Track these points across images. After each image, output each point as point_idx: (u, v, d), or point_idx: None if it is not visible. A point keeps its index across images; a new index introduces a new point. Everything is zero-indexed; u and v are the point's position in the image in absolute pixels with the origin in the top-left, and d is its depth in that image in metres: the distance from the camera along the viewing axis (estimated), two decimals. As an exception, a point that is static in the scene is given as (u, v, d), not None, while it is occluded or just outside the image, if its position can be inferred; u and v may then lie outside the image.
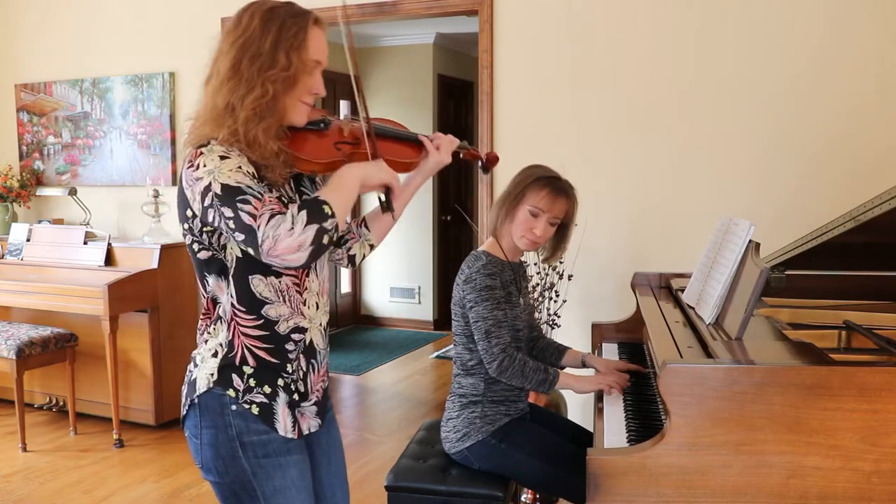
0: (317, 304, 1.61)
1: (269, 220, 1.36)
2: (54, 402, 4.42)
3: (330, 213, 1.38)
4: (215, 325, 1.57)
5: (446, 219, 6.96)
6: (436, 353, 6.09)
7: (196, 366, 1.58)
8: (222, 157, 1.44)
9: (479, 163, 1.95)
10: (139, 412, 4.22)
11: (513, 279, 2.30)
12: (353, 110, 1.67)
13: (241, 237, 1.39)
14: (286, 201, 1.54)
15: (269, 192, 1.45)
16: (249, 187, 1.41)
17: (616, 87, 3.45)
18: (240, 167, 1.44)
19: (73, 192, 4.63)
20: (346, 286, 7.12)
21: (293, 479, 1.58)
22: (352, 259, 1.81)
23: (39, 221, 4.82)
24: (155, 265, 4.13)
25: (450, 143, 1.75)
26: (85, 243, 4.29)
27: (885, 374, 1.45)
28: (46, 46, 4.92)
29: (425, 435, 2.51)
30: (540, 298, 3.24)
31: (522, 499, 3.09)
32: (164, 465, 3.71)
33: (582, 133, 3.53)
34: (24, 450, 3.91)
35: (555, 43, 3.56)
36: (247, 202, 1.39)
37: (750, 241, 1.92)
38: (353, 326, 7.08)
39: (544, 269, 3.26)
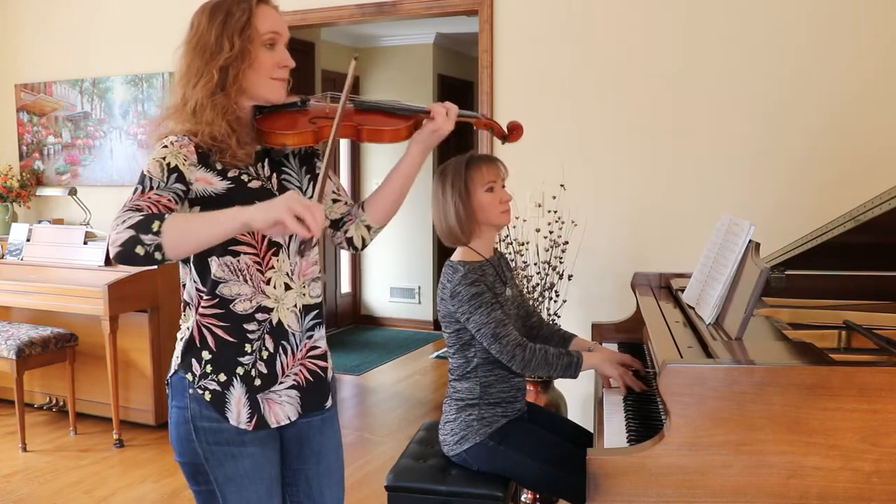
0: (286, 284, 1.62)
1: (123, 210, 1.40)
2: (54, 402, 4.42)
3: (156, 229, 1.35)
4: (185, 311, 1.63)
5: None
6: (436, 353, 6.09)
7: (175, 349, 1.66)
8: (163, 146, 1.51)
9: (495, 132, 1.89)
10: (139, 412, 4.22)
11: (495, 275, 2.28)
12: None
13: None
14: (249, 180, 1.57)
15: (162, 191, 1.46)
16: (151, 178, 1.47)
17: (616, 87, 3.45)
18: (164, 158, 1.49)
19: (73, 192, 4.63)
20: (346, 286, 7.12)
21: (246, 470, 1.60)
22: (351, 242, 1.81)
23: (39, 221, 4.82)
24: (155, 265, 4.12)
25: (449, 108, 1.71)
26: (85, 243, 4.29)
27: (885, 374, 1.45)
28: (46, 46, 4.92)
29: (425, 435, 2.51)
30: (540, 298, 3.24)
31: (522, 499, 3.09)
32: (164, 465, 3.71)
33: (582, 133, 3.53)
34: (24, 450, 3.91)
35: (555, 43, 3.56)
36: (135, 190, 1.46)
37: (750, 241, 1.92)
38: (353, 326, 7.08)
39: (544, 270, 3.26)
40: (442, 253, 6.91)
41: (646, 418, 1.97)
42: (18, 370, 3.82)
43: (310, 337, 1.68)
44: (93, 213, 4.67)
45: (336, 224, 1.80)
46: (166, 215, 1.38)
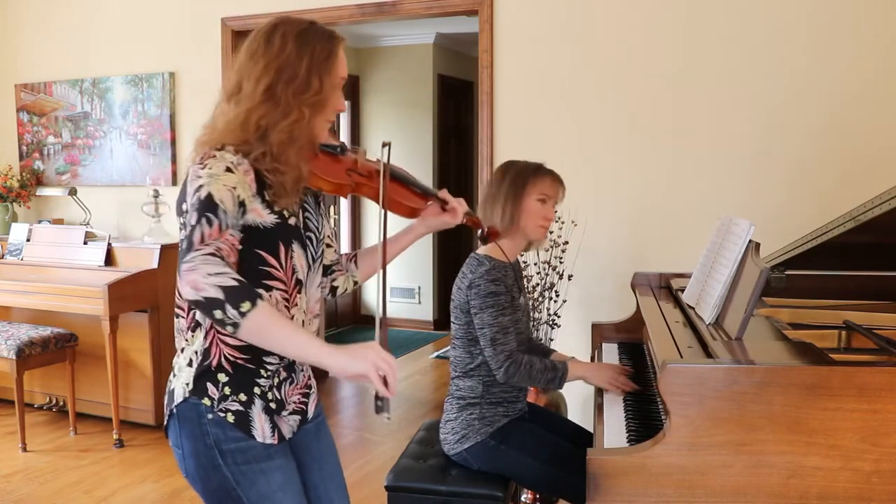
0: (303, 321, 1.61)
1: (208, 253, 1.36)
2: (54, 402, 4.42)
3: (244, 310, 1.32)
4: (193, 332, 1.55)
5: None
6: (436, 353, 6.09)
7: (175, 375, 1.58)
8: (227, 169, 1.45)
9: (480, 232, 2.01)
10: (139, 412, 4.22)
11: (514, 280, 2.30)
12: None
13: (183, 244, 1.40)
14: (289, 216, 1.55)
15: (233, 230, 1.44)
16: (225, 212, 1.41)
17: (616, 86, 3.45)
18: (234, 187, 1.44)
19: (73, 192, 4.63)
20: (346, 286, 7.11)
21: (279, 484, 1.56)
22: (333, 290, 1.83)
23: (39, 221, 4.82)
24: (155, 265, 4.13)
25: (461, 206, 1.81)
26: (85, 243, 4.29)
27: (885, 374, 1.46)
28: (46, 46, 4.92)
29: (425, 435, 2.51)
30: (540, 298, 3.24)
31: (522, 499, 3.09)
32: (164, 465, 3.71)
33: (582, 133, 3.53)
34: (24, 450, 3.90)
35: (555, 43, 3.56)
36: (210, 224, 1.39)
37: (750, 241, 1.92)
38: (353, 326, 7.08)
39: (544, 270, 3.26)
40: (442, 253, 6.92)
41: (646, 418, 1.97)
42: (18, 370, 3.82)
43: (303, 369, 1.68)
44: (93, 213, 4.67)
45: (325, 270, 1.79)
46: (259, 300, 1.34)
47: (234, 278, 1.34)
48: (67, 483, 3.52)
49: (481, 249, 2.32)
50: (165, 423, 1.59)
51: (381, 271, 1.65)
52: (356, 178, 1.64)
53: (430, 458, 2.32)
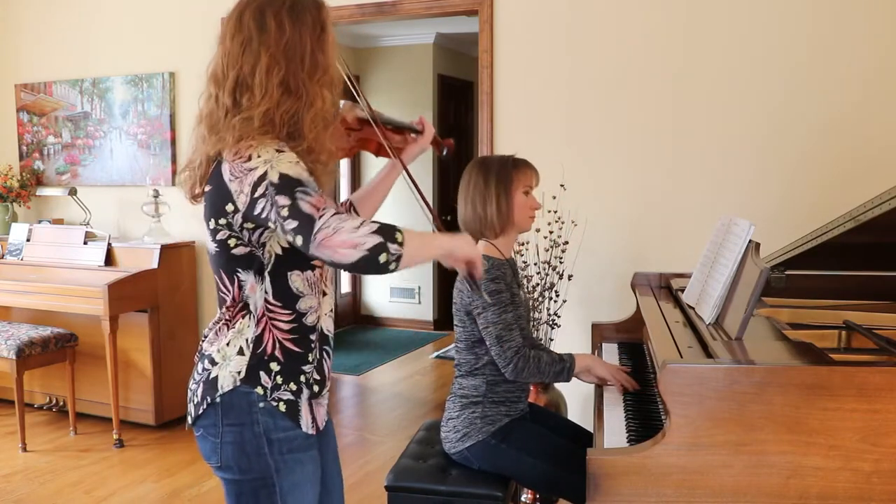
0: (324, 291, 1.62)
1: (333, 214, 1.34)
2: (54, 402, 4.42)
3: (400, 240, 1.34)
4: (240, 321, 1.54)
5: (446, 219, 6.95)
6: (436, 353, 6.09)
7: (214, 363, 1.54)
8: (279, 150, 1.43)
9: (444, 150, 2.05)
10: (139, 412, 4.22)
11: (513, 276, 2.31)
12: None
13: (292, 224, 1.35)
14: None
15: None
16: (310, 181, 1.40)
17: (616, 86, 3.45)
18: (298, 162, 1.43)
19: (73, 192, 4.63)
20: (346, 286, 7.12)
21: (309, 474, 1.59)
22: None
23: (39, 221, 4.82)
24: (155, 265, 4.13)
25: (431, 130, 1.89)
26: (85, 243, 4.29)
27: (885, 374, 1.45)
28: (46, 46, 4.92)
29: (425, 435, 2.51)
30: (540, 298, 3.24)
31: (522, 499, 3.09)
32: (164, 465, 3.71)
33: (582, 133, 3.53)
34: (24, 450, 3.91)
35: (555, 43, 3.56)
36: (307, 194, 1.37)
37: (750, 240, 1.92)
38: (353, 326, 7.08)
39: (544, 270, 3.26)
40: (442, 253, 6.90)
41: (646, 418, 1.97)
42: (18, 370, 3.82)
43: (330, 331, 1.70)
44: (93, 213, 4.67)
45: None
46: (396, 227, 1.36)
47: (371, 221, 1.36)
48: (67, 483, 3.52)
49: (478, 248, 2.31)
50: (200, 412, 1.55)
51: (417, 196, 1.69)
52: (354, 135, 1.67)
53: (431, 457, 2.32)
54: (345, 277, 7.08)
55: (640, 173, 3.43)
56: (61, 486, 3.48)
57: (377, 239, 1.32)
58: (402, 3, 3.85)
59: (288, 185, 1.37)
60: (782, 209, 3.14)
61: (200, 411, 1.55)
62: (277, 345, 1.54)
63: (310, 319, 1.57)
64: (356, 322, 7.16)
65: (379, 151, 1.79)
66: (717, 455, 1.48)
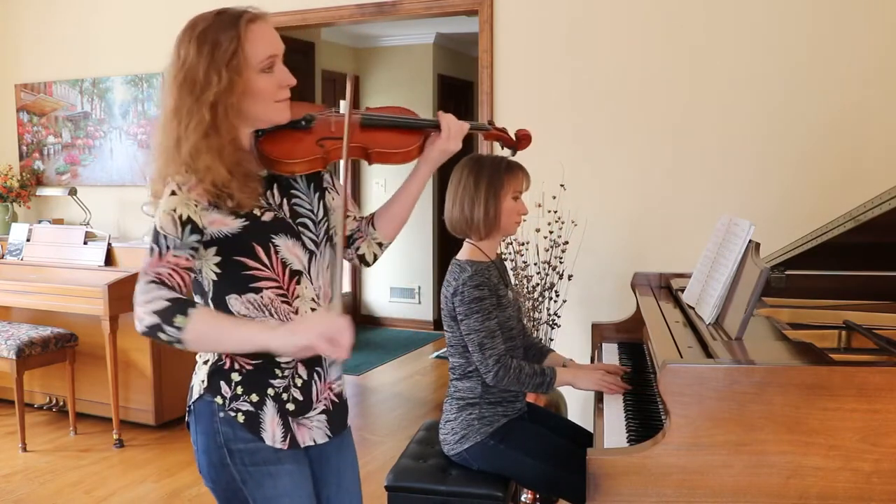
0: (313, 310, 1.56)
1: (147, 281, 1.40)
2: (54, 402, 4.42)
3: (178, 324, 1.34)
4: None
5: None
6: (436, 353, 6.08)
7: (195, 371, 1.60)
8: (172, 193, 1.45)
9: (504, 142, 1.87)
10: (139, 412, 4.22)
11: (499, 277, 2.30)
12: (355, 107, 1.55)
13: None
14: (262, 213, 1.50)
15: (178, 251, 1.43)
16: (165, 237, 1.43)
17: (616, 87, 3.45)
18: (174, 210, 1.43)
19: (73, 192, 4.63)
20: (346, 286, 7.12)
21: (285, 489, 1.55)
22: (363, 259, 1.77)
23: (39, 221, 4.82)
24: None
25: (460, 128, 1.67)
26: (85, 243, 4.29)
27: (885, 374, 1.46)
28: (46, 46, 4.92)
29: (425, 435, 2.51)
30: (540, 298, 3.24)
31: (522, 499, 3.09)
32: (164, 465, 3.71)
33: (582, 133, 3.53)
34: (24, 450, 3.90)
35: (555, 43, 3.56)
36: (151, 253, 1.43)
37: (750, 241, 1.92)
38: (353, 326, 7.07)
39: (544, 270, 3.26)
40: (442, 253, 6.91)
41: (646, 418, 1.97)
42: (18, 370, 3.82)
43: (333, 362, 1.63)
44: (93, 213, 4.67)
45: (347, 241, 1.74)
46: (190, 310, 1.36)
47: (167, 299, 1.37)
48: (67, 483, 3.52)
49: (461, 255, 2.30)
50: (186, 417, 1.62)
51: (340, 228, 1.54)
52: (329, 145, 1.52)
53: (430, 458, 2.32)
54: (345, 277, 7.07)
55: (640, 173, 3.43)
56: (61, 486, 3.48)
57: (154, 319, 1.36)
58: (402, 3, 3.85)
59: (154, 237, 1.45)
60: (782, 209, 3.14)
61: (187, 416, 1.61)
62: (234, 362, 1.54)
63: None
64: (356, 322, 7.15)
65: (370, 159, 1.62)
66: (717, 455, 1.48)
